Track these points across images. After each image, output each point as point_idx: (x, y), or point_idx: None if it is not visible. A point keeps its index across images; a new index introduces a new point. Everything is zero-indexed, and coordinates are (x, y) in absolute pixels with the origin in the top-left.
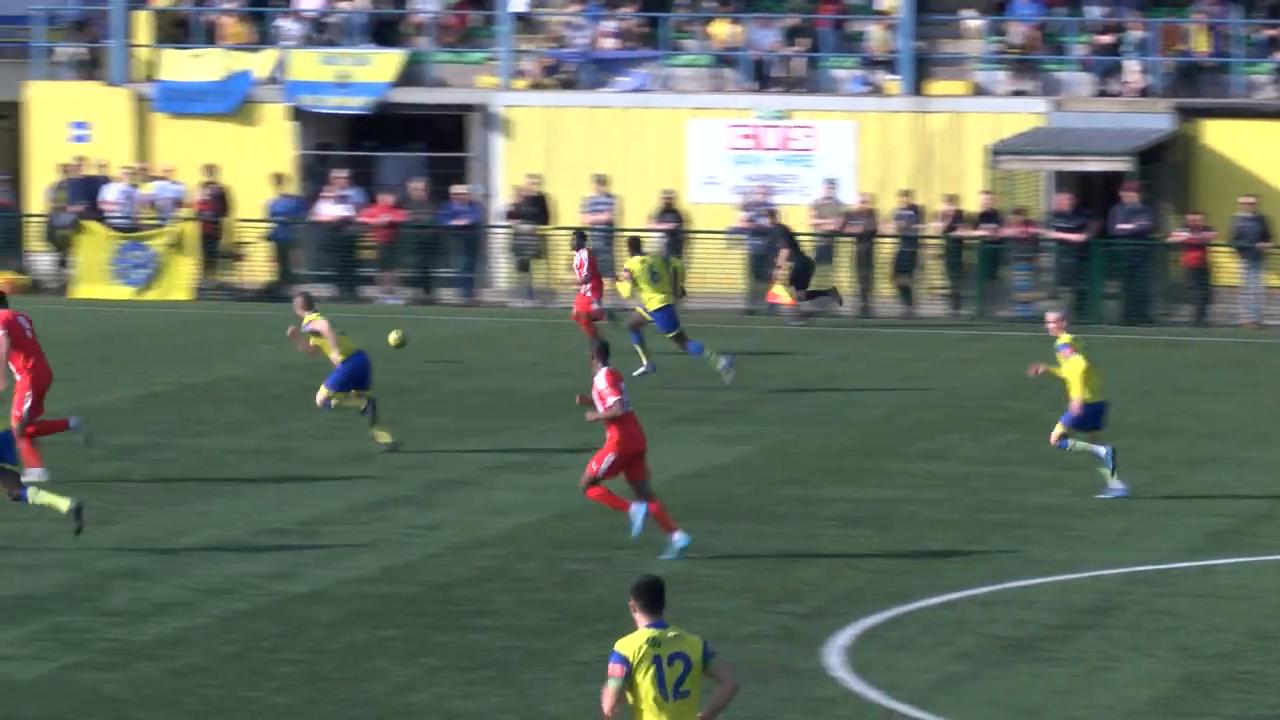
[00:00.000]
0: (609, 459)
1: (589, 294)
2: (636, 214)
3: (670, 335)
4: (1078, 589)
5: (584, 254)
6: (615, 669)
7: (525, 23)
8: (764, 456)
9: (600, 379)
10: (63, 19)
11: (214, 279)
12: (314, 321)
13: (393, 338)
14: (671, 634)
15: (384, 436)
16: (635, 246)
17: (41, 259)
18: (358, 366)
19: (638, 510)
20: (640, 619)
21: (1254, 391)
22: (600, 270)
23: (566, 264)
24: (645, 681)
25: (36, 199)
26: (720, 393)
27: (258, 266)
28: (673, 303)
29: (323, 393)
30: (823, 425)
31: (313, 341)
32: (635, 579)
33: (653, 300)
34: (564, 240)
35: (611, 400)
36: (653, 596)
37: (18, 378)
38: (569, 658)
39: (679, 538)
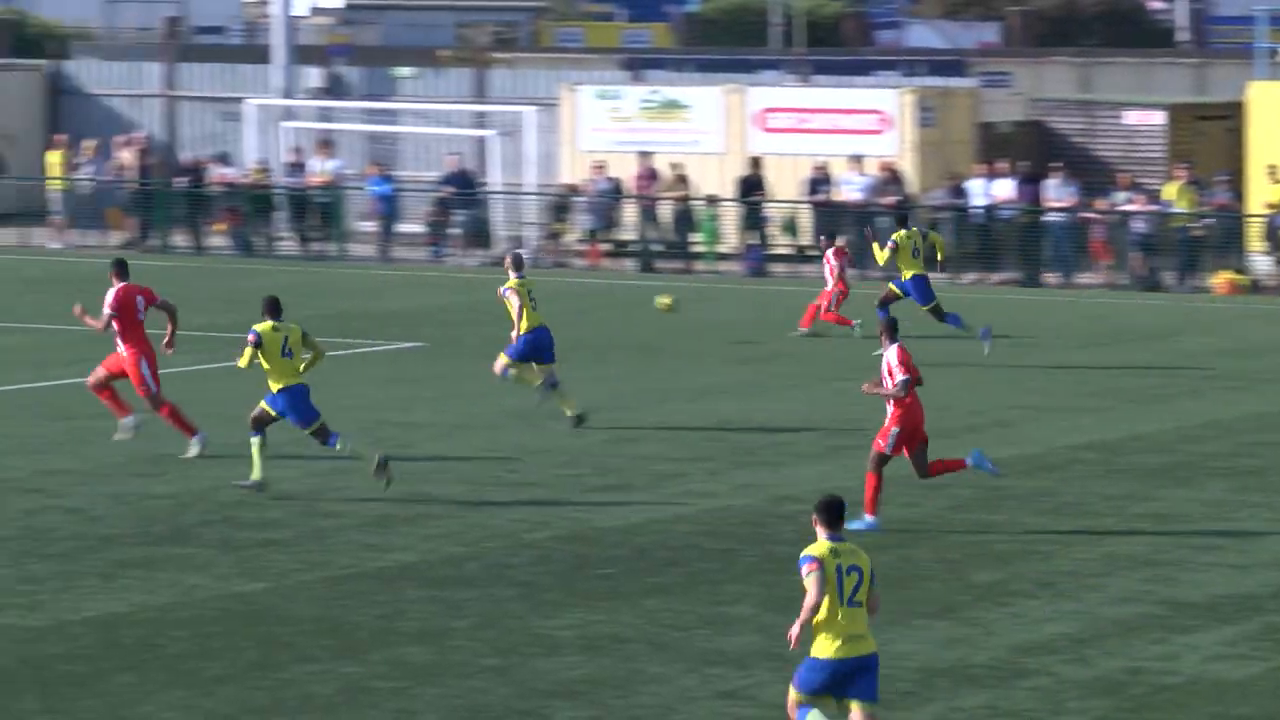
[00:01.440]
0: (893, 433)
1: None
2: None
3: (927, 307)
4: None
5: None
6: (810, 565)
7: None
8: None
9: (892, 354)
10: None
11: None
12: (510, 287)
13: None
14: (848, 548)
15: (570, 408)
16: (904, 220)
17: (1261, 260)
18: (540, 339)
19: (973, 459)
20: (821, 532)
21: None
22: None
23: None
24: (828, 586)
25: (1256, 200)
26: None
27: None
28: (926, 274)
29: (501, 360)
30: None
31: (506, 303)
32: (820, 497)
33: (909, 271)
34: None
35: (900, 378)
36: (834, 513)
37: (125, 353)
38: None
39: (971, 459)
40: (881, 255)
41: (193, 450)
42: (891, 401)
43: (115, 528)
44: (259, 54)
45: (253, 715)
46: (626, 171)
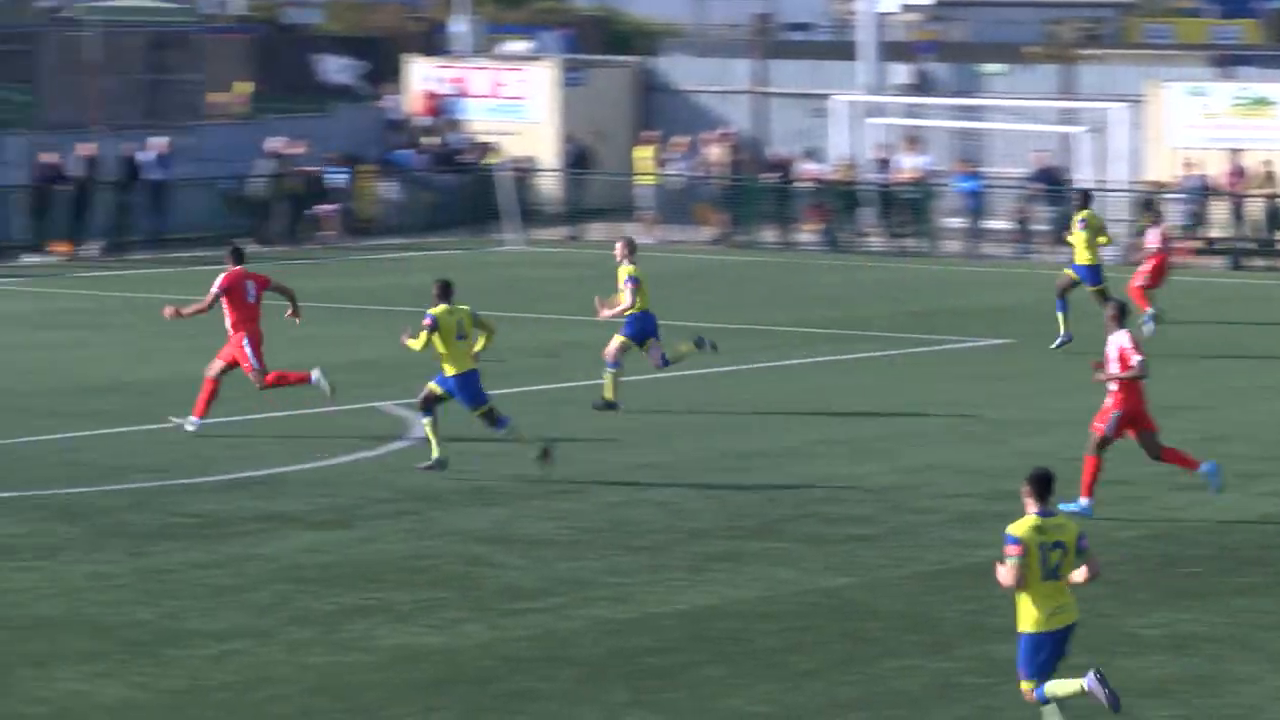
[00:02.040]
0: (1114, 416)
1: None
2: None
3: (1095, 289)
4: None
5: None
6: (1012, 549)
7: None
8: None
9: (1123, 338)
10: None
11: None
12: (628, 270)
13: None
14: (1055, 522)
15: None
16: (1086, 200)
17: None
18: (648, 320)
19: (1208, 468)
20: (1030, 505)
21: None
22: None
23: None
24: (1030, 562)
25: None
26: None
27: None
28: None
29: (617, 341)
30: None
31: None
32: (1031, 469)
33: (1087, 256)
34: None
35: (1136, 360)
36: (1043, 486)
37: (232, 333)
38: None
39: (1206, 466)
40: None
41: (317, 379)
42: (1116, 385)
43: (703, 521)
44: (847, 50)
45: (840, 710)
46: (1216, 169)
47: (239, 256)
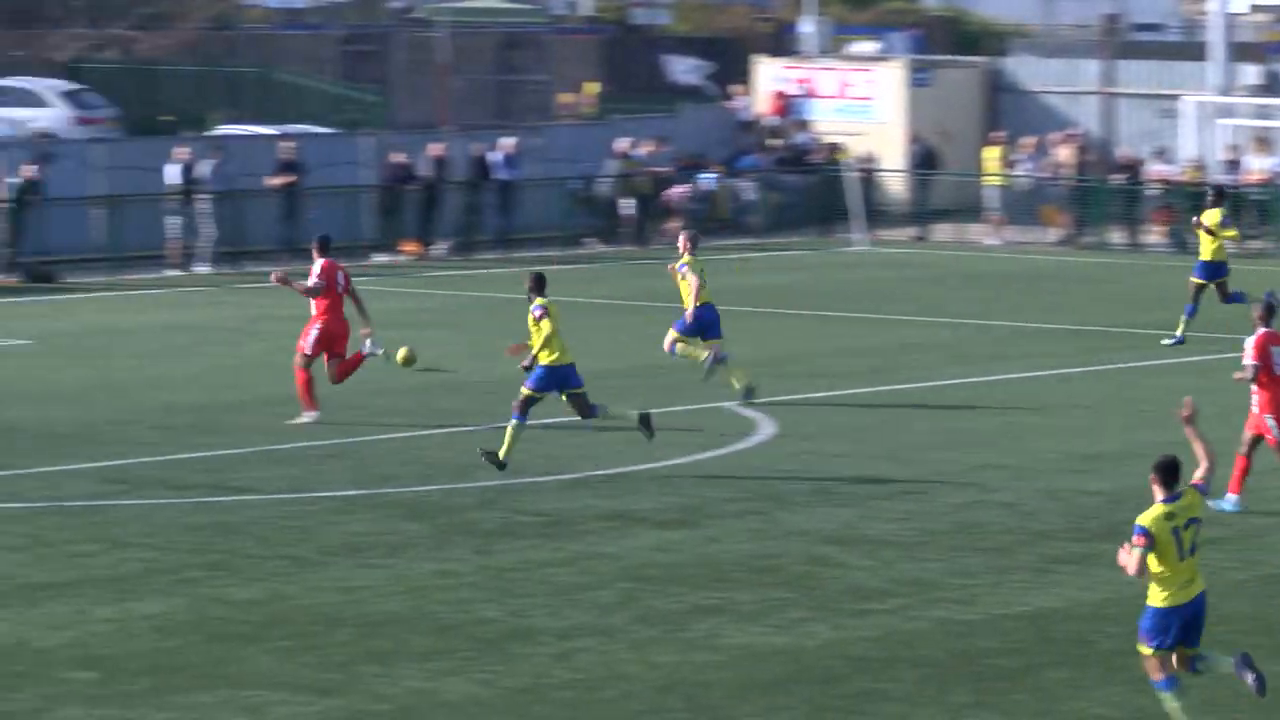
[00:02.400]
0: (1268, 419)
1: None
2: None
3: (1217, 282)
4: None
5: None
6: (1139, 540)
7: None
8: None
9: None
10: None
11: None
12: (685, 264)
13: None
14: (1183, 504)
15: (739, 379)
16: (1220, 195)
17: None
18: (706, 315)
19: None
20: (1158, 493)
21: None
22: None
23: None
24: (1164, 549)
25: None
26: None
27: None
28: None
29: (670, 336)
30: None
31: (682, 280)
32: (1158, 458)
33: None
34: None
35: (1249, 363)
36: (1170, 473)
37: (313, 313)
38: None
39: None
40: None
41: (304, 419)
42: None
43: (1048, 523)
44: (1196, 51)
45: (1190, 714)
46: None
47: (325, 248)
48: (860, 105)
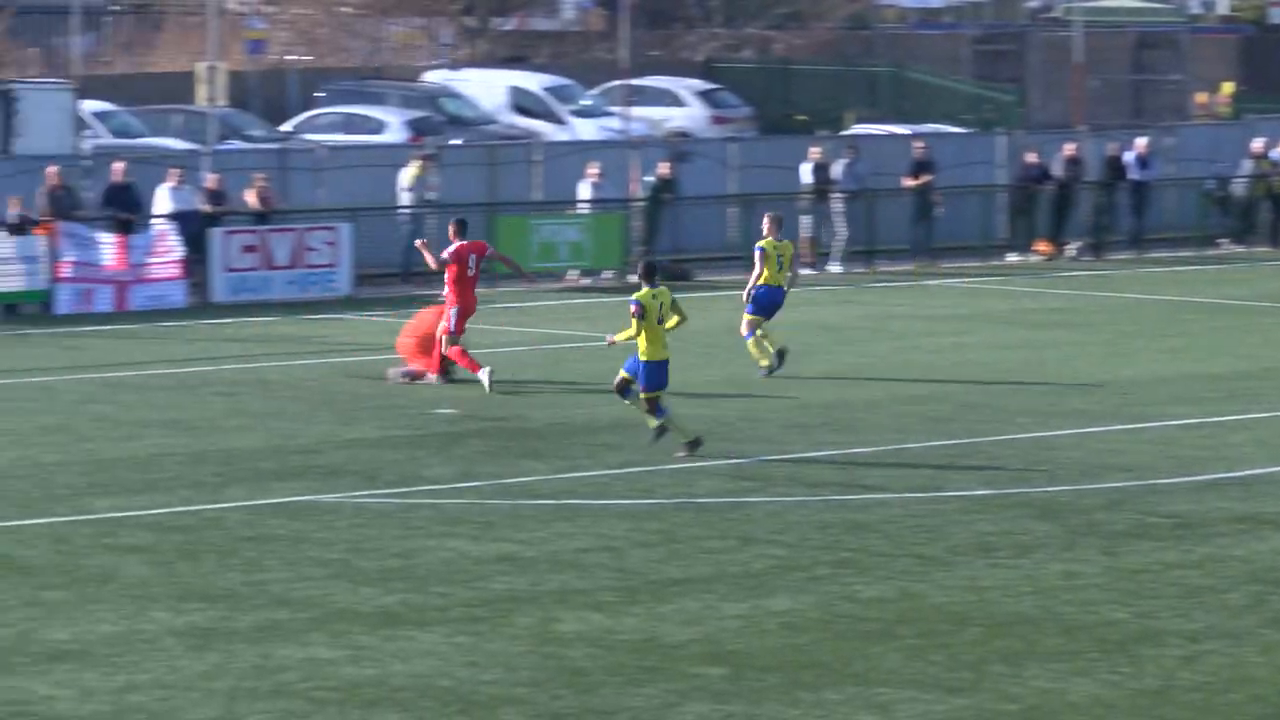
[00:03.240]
0: None
1: None
2: None
3: None
4: None
5: None
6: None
7: None
8: None
9: None
10: None
11: None
12: (764, 245)
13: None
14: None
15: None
16: None
17: None
18: (774, 295)
19: None
20: None
21: None
22: None
23: None
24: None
25: None
26: None
27: None
28: None
29: (748, 319)
30: None
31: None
32: None
33: None
34: None
35: None
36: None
37: (448, 294)
38: None
39: None
40: None
41: (483, 377)
42: None
43: None
44: None
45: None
46: None
47: (462, 231)
48: None
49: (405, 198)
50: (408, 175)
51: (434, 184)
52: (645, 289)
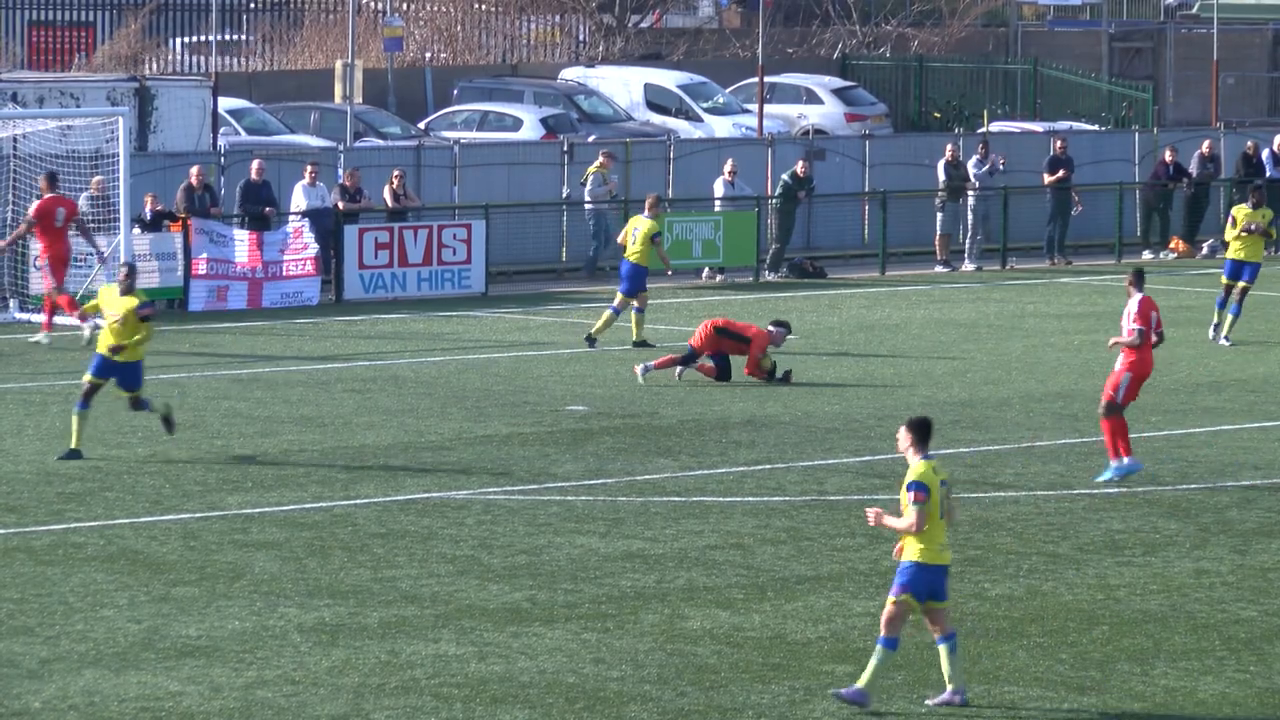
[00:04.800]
0: (1124, 379)
1: None
2: None
3: None
4: None
5: None
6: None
7: None
8: None
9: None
10: None
11: None
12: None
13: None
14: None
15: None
16: None
17: None
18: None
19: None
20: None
21: None
22: None
23: None
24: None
25: None
26: None
27: None
28: None
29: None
30: None
31: None
32: None
33: None
34: None
35: (1136, 328)
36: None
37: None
38: None
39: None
40: None
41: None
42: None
43: None
44: None
45: None
46: None
47: (53, 183)
48: None
49: (586, 194)
50: (589, 172)
51: (613, 182)
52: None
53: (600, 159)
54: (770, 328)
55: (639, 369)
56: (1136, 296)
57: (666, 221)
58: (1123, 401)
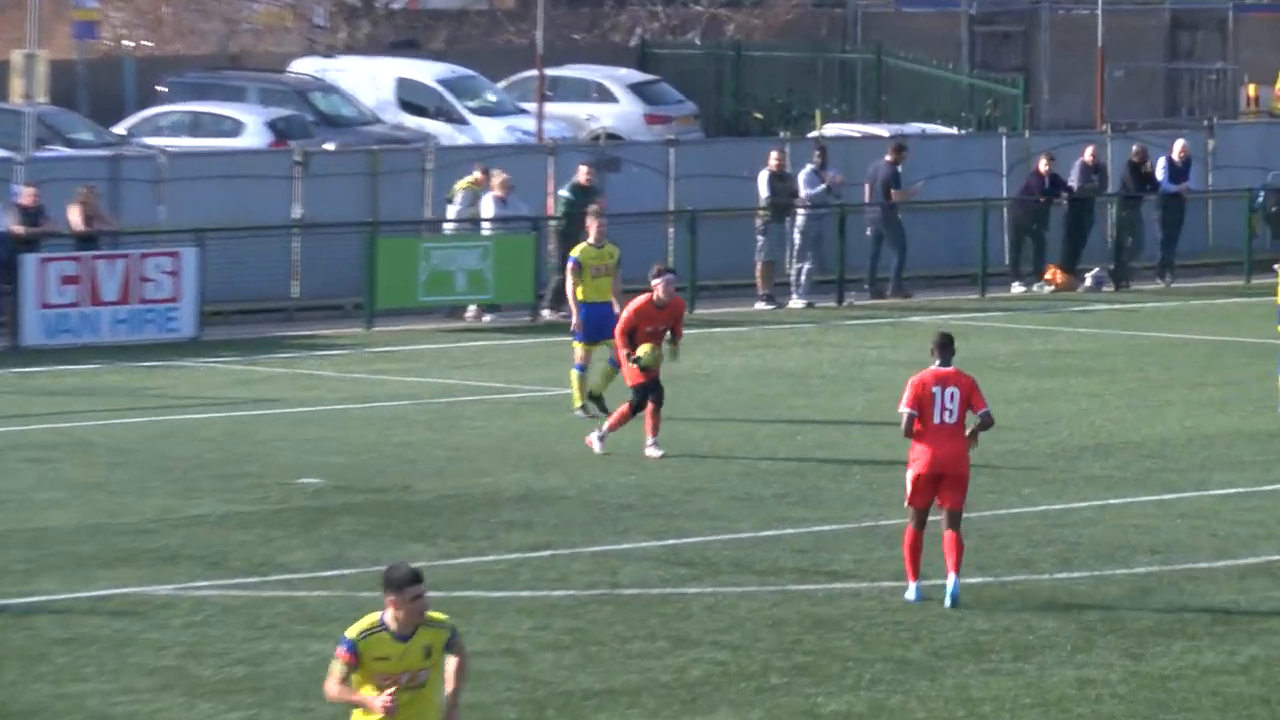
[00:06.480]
0: None
1: None
2: None
3: None
4: None
5: None
6: None
7: None
8: None
9: None
10: None
11: None
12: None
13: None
14: None
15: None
16: None
17: None
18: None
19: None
20: None
21: None
22: None
23: None
24: None
25: None
26: None
27: None
28: None
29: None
30: None
31: None
32: None
33: None
34: None
35: None
36: None
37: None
38: None
39: None
40: None
41: None
42: None
43: None
44: None
45: None
46: None
47: None
48: None
49: (450, 213)
50: (458, 188)
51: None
52: None
53: (476, 173)
54: (652, 281)
55: (593, 440)
56: (932, 366)
57: (423, 249)
58: (916, 505)
